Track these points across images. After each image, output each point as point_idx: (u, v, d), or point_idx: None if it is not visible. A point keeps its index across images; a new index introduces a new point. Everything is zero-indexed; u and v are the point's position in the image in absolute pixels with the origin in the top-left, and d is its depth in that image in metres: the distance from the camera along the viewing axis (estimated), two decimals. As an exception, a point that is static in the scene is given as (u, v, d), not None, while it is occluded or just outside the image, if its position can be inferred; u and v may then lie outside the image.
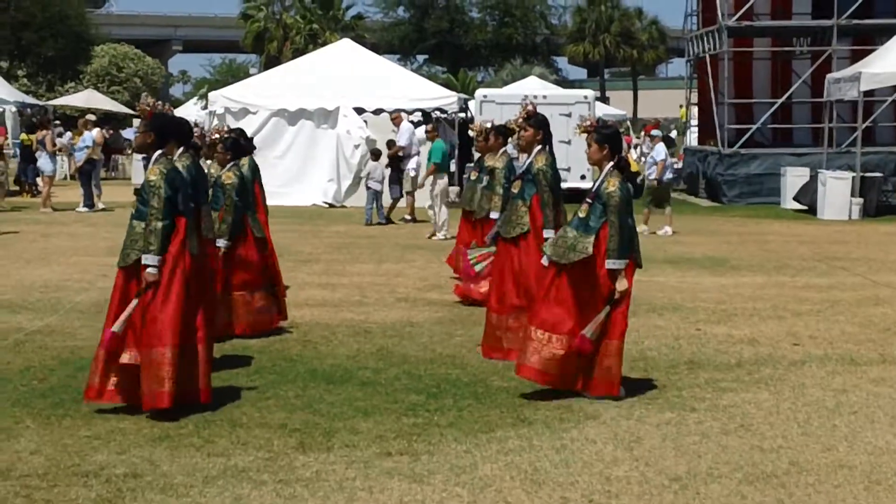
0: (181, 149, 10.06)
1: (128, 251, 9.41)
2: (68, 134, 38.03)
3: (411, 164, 27.30)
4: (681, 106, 53.57)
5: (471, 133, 18.77)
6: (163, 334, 9.21)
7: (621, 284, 9.78)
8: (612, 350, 9.91)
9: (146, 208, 9.34)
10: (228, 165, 12.54)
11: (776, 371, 11.22)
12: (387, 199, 27.14)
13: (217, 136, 13.00)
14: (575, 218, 10.04)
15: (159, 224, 9.23)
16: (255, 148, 14.21)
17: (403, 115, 29.12)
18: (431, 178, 24.07)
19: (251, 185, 13.12)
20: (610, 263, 9.76)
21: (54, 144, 30.45)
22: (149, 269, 9.18)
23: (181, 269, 9.35)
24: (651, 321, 13.73)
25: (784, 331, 13.37)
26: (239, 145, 12.95)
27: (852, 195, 28.71)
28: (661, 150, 25.12)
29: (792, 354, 12.04)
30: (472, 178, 16.03)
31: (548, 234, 11.31)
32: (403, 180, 27.37)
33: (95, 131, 30.22)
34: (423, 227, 24.87)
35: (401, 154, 27.33)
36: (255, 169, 13.53)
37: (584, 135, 10.28)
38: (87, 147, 29.19)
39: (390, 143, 27.62)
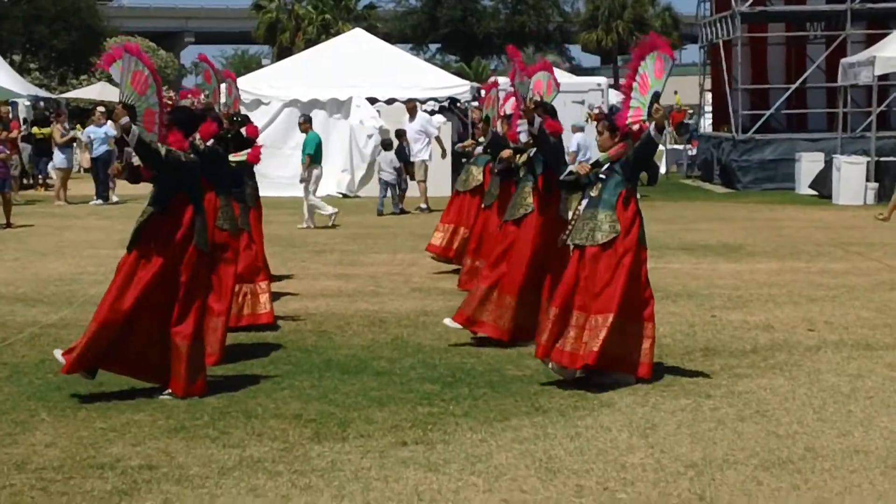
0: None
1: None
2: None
3: (423, 153, 27.33)
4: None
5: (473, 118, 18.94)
6: (98, 312, 9.44)
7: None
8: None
9: (162, 195, 9.44)
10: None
11: (792, 357, 11.20)
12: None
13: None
14: (587, 200, 10.07)
15: (162, 152, 9.40)
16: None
17: (417, 103, 29.10)
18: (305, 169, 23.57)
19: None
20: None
21: (62, 136, 30.41)
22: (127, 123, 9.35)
23: (168, 260, 9.43)
24: (666, 308, 13.68)
25: (799, 316, 13.34)
26: (241, 139, 12.84)
27: (867, 180, 28.60)
28: (573, 141, 24.80)
29: (807, 340, 12.02)
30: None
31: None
32: (416, 169, 27.39)
33: (109, 124, 30.21)
34: (436, 217, 24.82)
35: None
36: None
37: (595, 123, 10.36)
38: (107, 137, 29.21)
39: (399, 133, 27.50)
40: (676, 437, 8.51)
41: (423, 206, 26.81)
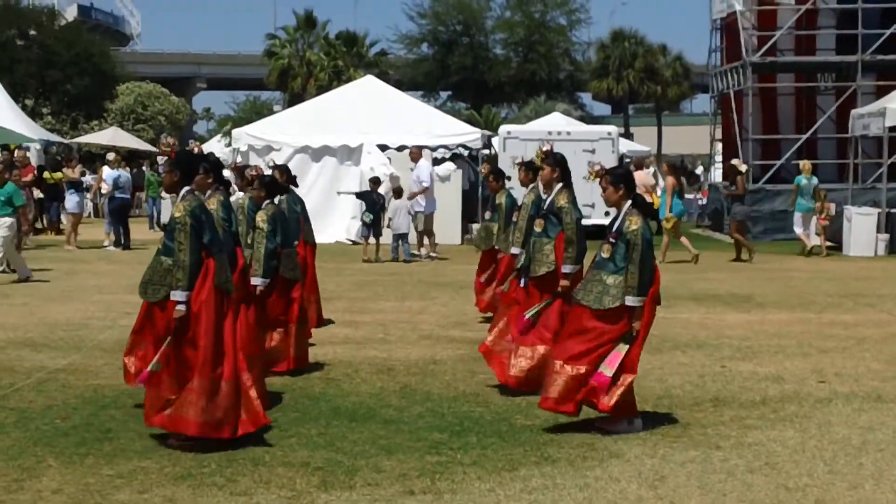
0: (211, 188, 10.35)
1: (156, 287, 9.49)
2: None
3: (427, 204, 27.14)
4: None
5: (481, 172, 18.96)
6: (192, 368, 9.38)
7: (638, 323, 9.83)
8: (629, 385, 9.96)
9: (173, 244, 9.40)
10: (264, 204, 12.50)
11: (802, 408, 11.15)
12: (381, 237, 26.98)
13: (255, 173, 13.05)
14: (598, 258, 10.07)
15: (187, 259, 9.28)
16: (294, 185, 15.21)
17: (426, 151, 29.08)
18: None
19: (289, 222, 13.35)
20: (630, 300, 9.80)
21: (83, 174, 30.54)
22: (178, 307, 9.25)
23: (213, 308, 9.43)
24: (675, 358, 13.66)
25: (809, 368, 13.29)
26: (275, 184, 12.99)
27: (878, 231, 28.58)
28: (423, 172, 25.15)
29: (818, 392, 11.96)
30: (487, 217, 16.68)
31: (568, 269, 11.42)
32: (419, 221, 27.26)
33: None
34: (445, 265, 24.86)
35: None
36: (294, 203, 14.76)
37: (598, 179, 10.39)
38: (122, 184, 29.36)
39: (397, 191, 27.34)
40: (686, 488, 8.46)
41: (433, 254, 26.79)
